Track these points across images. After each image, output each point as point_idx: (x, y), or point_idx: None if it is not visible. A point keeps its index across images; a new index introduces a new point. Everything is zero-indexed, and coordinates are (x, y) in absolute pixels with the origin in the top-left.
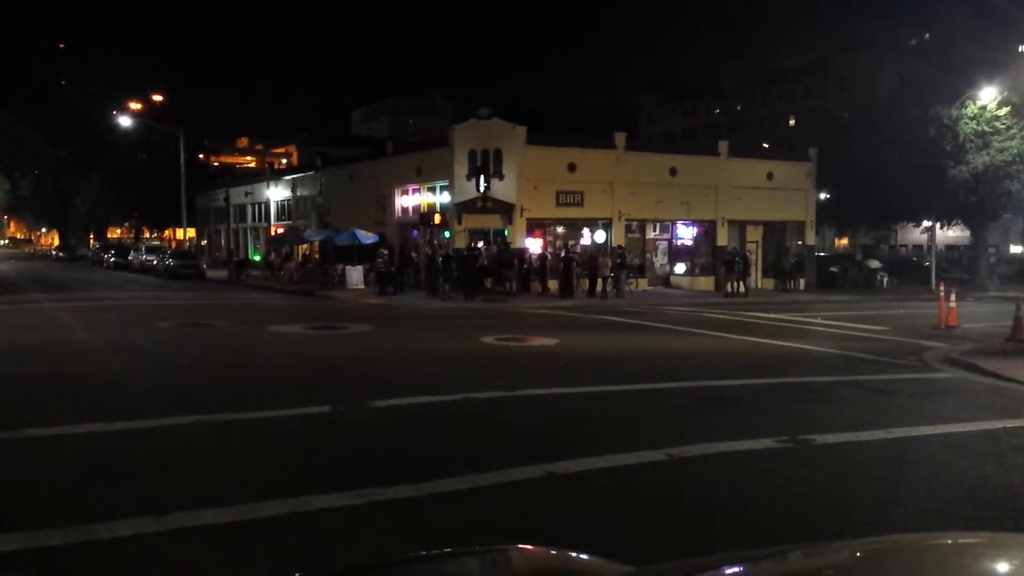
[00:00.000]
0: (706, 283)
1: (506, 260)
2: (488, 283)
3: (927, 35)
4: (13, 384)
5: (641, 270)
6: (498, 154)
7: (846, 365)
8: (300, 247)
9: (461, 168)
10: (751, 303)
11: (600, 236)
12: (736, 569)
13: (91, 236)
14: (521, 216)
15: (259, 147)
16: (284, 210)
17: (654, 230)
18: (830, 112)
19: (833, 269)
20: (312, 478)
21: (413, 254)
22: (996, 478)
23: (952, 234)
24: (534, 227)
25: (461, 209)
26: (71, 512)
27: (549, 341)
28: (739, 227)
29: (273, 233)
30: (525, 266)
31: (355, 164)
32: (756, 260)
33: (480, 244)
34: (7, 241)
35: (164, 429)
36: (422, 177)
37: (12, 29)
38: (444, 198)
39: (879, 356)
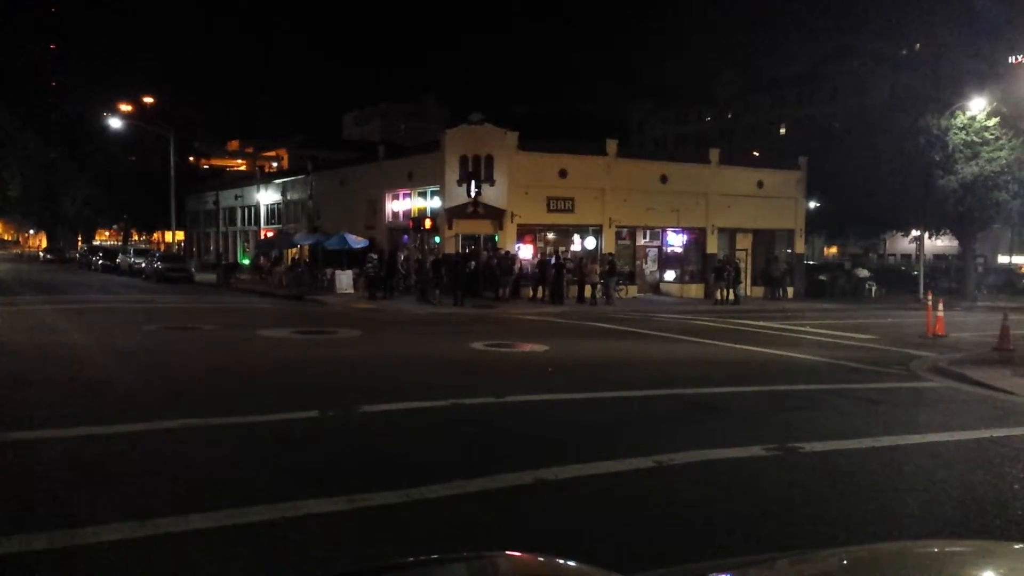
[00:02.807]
0: (696, 290)
1: (505, 266)
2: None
3: (918, 46)
4: None
5: (631, 277)
6: (489, 159)
7: (834, 373)
8: (290, 251)
9: (452, 173)
10: (740, 311)
11: (590, 243)
12: None
13: (79, 238)
14: (512, 222)
15: (249, 150)
16: (274, 214)
17: (644, 237)
18: (821, 121)
19: (822, 278)
20: (300, 483)
21: (401, 257)
22: (983, 486)
23: (940, 244)
24: (524, 233)
25: (452, 214)
26: (56, 516)
27: (538, 347)
28: (729, 235)
29: (263, 237)
30: (517, 271)
31: (346, 168)
32: (746, 268)
33: (470, 250)
34: None
35: (151, 433)
36: (413, 182)
37: (1, 29)
38: (435, 203)
39: (867, 365)
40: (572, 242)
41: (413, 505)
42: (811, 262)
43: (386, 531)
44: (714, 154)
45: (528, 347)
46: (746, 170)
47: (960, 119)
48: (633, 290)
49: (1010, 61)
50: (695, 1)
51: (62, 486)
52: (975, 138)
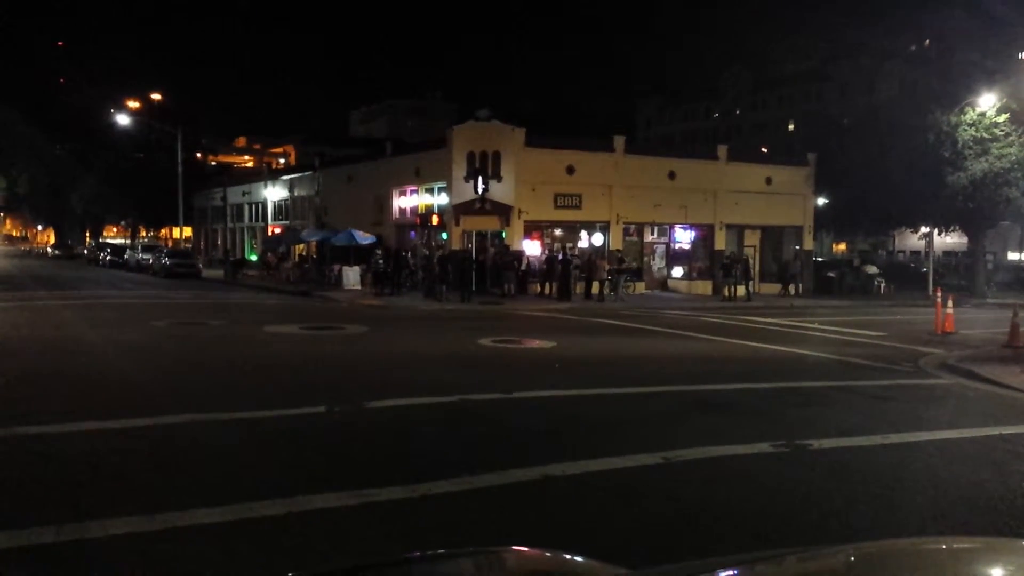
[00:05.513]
0: (703, 287)
1: (507, 262)
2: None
3: (927, 42)
4: (7, 381)
5: (639, 273)
6: (496, 156)
7: (843, 370)
8: (297, 247)
9: (459, 170)
10: (749, 307)
11: (598, 239)
12: (731, 572)
13: (87, 234)
14: (519, 218)
15: (257, 146)
16: (281, 210)
17: (652, 233)
18: (829, 117)
19: (831, 274)
20: (307, 478)
21: (408, 255)
22: (992, 484)
23: (950, 240)
24: (532, 229)
25: (459, 211)
26: (65, 510)
27: (546, 344)
28: (737, 231)
29: (270, 233)
30: (523, 267)
31: (353, 164)
32: (755, 264)
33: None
34: (2, 238)
35: (159, 428)
36: (420, 178)
37: (11, 26)
38: (442, 199)
39: (876, 362)
40: (579, 238)
41: (420, 500)
42: (820, 258)
43: (393, 526)
44: (722, 150)
45: (535, 343)
46: (755, 166)
47: (970, 115)
48: (640, 287)
49: (1020, 57)
50: None
51: (70, 480)
52: (984, 134)
